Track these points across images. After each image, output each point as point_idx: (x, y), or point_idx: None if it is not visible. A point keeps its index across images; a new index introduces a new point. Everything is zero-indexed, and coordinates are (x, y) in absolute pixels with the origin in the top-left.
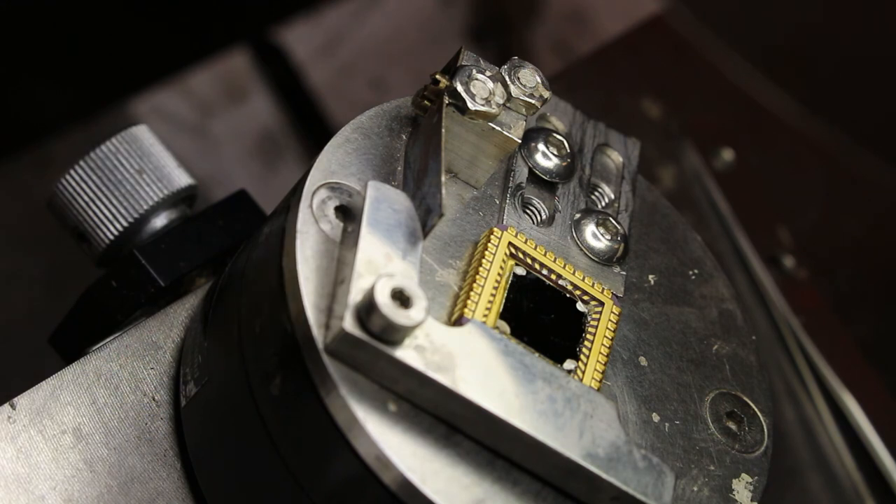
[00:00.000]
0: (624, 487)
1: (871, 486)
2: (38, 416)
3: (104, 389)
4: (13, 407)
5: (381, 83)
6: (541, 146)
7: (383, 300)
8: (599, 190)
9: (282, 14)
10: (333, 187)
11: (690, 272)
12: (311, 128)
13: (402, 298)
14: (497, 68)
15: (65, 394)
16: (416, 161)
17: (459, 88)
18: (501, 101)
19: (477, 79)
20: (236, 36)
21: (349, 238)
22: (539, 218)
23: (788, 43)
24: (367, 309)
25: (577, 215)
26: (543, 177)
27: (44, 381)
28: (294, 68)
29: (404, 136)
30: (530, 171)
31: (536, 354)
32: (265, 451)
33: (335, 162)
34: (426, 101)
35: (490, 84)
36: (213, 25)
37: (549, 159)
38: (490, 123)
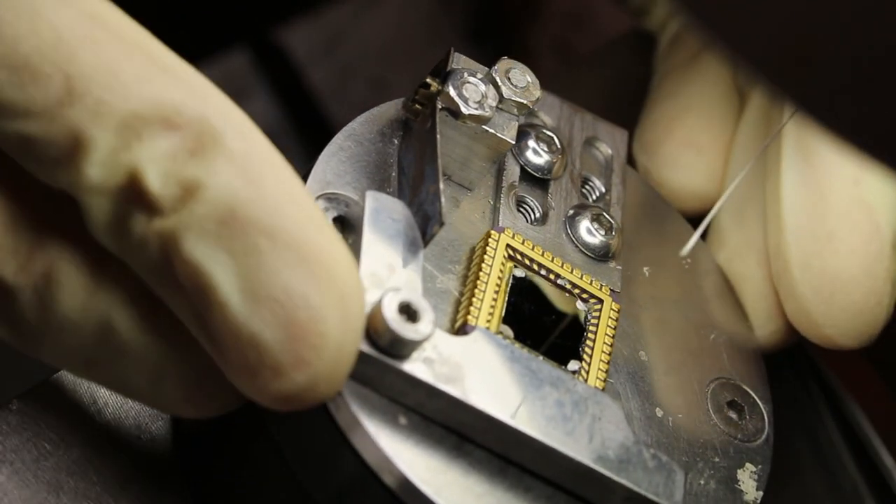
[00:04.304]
0: (635, 488)
1: (871, 486)
2: (39, 416)
3: (105, 389)
4: (13, 407)
5: (381, 83)
6: (531, 143)
7: (391, 315)
8: (590, 183)
9: (282, 14)
10: (330, 198)
11: (684, 262)
12: (311, 128)
13: (409, 312)
14: (487, 69)
15: (65, 393)
16: (409, 167)
17: (452, 93)
18: (494, 104)
19: (469, 82)
20: (236, 36)
21: (350, 250)
22: (533, 216)
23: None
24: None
25: (571, 211)
26: (535, 174)
27: (44, 381)
28: (294, 68)
29: (396, 141)
30: (522, 169)
31: (541, 357)
32: (271, 459)
33: (330, 171)
34: (418, 105)
35: (482, 87)
36: (213, 25)
37: (540, 156)
38: (483, 126)
